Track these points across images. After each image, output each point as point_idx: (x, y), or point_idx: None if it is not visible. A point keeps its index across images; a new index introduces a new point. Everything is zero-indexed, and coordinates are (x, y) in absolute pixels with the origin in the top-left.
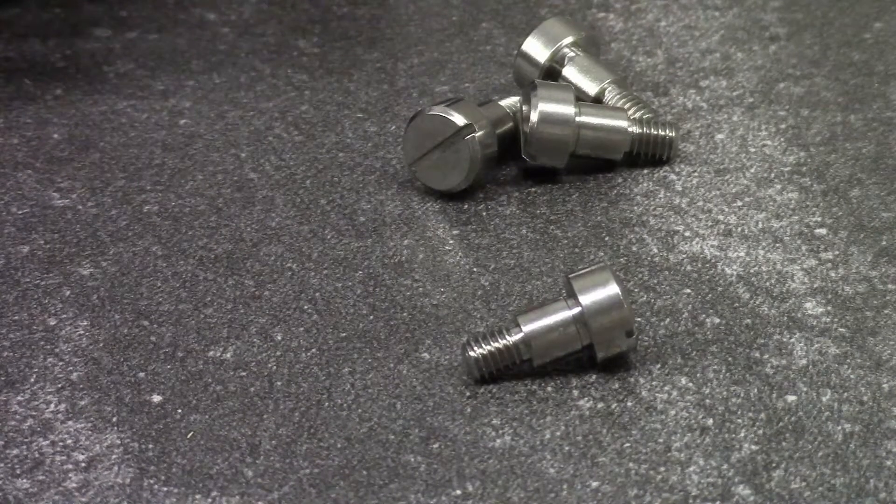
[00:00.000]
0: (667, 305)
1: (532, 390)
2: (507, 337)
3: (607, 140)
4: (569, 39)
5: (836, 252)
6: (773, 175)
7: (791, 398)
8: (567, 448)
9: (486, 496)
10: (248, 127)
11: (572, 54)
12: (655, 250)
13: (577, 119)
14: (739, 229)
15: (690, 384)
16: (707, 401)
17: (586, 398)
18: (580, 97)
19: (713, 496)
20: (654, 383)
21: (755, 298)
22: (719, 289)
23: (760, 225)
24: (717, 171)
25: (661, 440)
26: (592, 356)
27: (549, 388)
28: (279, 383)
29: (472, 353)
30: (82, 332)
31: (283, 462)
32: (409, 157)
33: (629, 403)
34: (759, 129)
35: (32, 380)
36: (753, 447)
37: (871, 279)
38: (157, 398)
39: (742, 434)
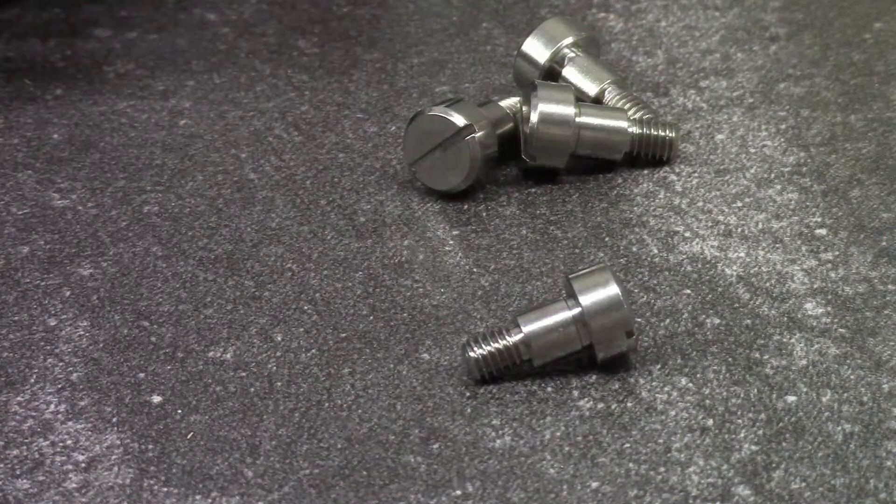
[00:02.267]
0: (667, 306)
1: (532, 390)
2: (507, 337)
3: (607, 140)
4: (569, 40)
5: (836, 252)
6: (773, 175)
7: (791, 398)
8: (567, 448)
9: (487, 496)
10: (248, 127)
11: (572, 55)
12: (655, 251)
13: (578, 119)
14: (739, 230)
15: (690, 385)
16: (707, 401)
17: (586, 398)
18: (580, 98)
19: (713, 496)
20: (654, 384)
21: (755, 299)
22: (719, 289)
23: (760, 225)
24: (717, 171)
25: (661, 440)
26: (592, 356)
27: (549, 389)
28: (279, 384)
29: (472, 354)
30: (82, 332)
31: (283, 462)
32: (409, 157)
33: (629, 404)
34: (759, 129)
35: (32, 380)
36: (753, 447)
37: (871, 280)
38: (157, 398)
39: (742, 434)
